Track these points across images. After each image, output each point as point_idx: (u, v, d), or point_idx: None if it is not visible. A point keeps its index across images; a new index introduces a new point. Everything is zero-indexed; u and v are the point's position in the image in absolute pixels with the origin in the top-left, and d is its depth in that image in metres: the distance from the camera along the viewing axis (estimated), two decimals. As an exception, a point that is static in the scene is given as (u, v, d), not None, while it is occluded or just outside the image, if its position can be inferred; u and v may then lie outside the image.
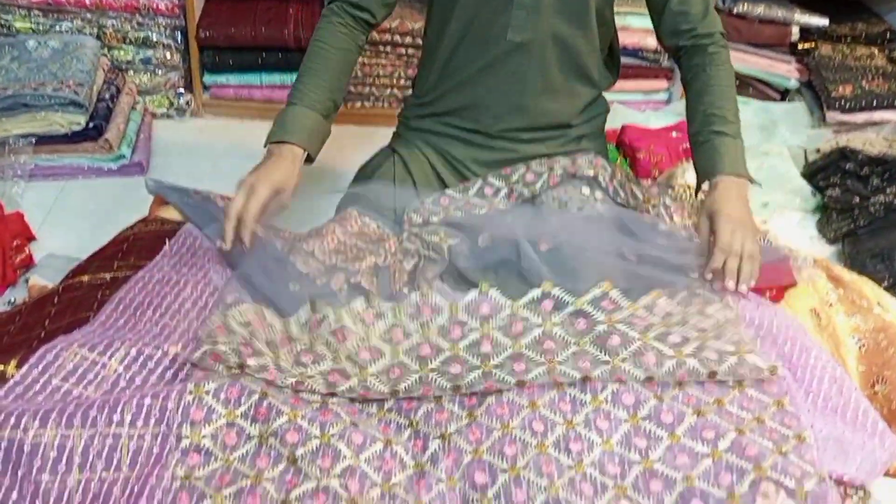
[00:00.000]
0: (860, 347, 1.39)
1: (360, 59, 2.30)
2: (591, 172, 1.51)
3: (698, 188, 1.51)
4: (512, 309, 1.27)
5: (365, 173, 1.62)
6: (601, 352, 1.19)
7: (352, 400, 1.15)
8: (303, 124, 1.42)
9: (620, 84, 1.76)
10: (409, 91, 1.75)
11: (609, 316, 1.24)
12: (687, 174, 1.71)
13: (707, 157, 1.44)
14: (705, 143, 1.45)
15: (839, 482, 1.08)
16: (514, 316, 1.26)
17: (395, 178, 1.55)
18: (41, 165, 2.01)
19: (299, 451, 1.04)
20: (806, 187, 2.07)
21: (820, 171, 2.09)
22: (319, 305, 1.26)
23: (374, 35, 2.25)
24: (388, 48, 2.38)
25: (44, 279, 1.55)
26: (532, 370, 1.15)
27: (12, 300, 1.57)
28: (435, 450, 1.07)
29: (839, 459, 1.10)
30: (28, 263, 1.67)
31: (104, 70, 2.19)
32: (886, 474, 1.14)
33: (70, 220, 1.88)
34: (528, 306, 1.27)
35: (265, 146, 1.42)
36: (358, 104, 2.47)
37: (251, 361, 1.13)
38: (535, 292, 1.28)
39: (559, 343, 1.21)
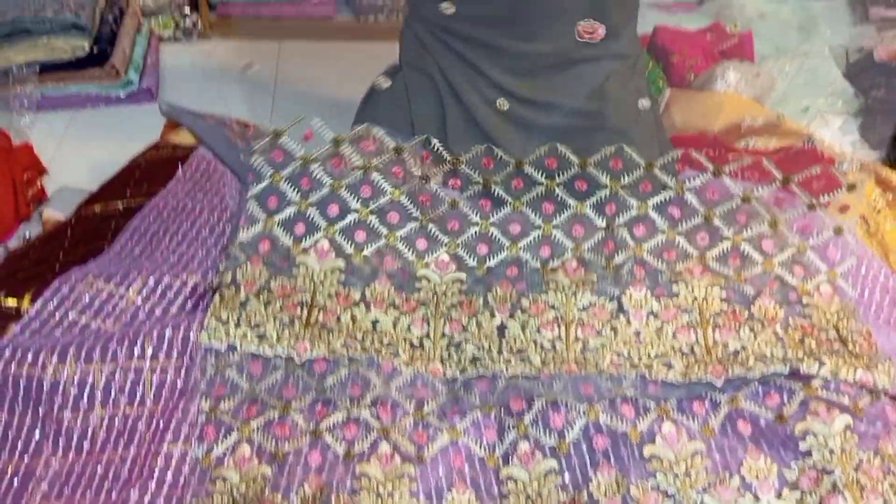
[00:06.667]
0: (911, 255, 1.32)
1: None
2: None
3: None
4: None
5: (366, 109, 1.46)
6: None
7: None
8: None
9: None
10: None
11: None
12: (728, 74, 1.60)
13: None
14: None
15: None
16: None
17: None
18: (48, 95, 1.94)
19: (328, 381, 1.00)
20: (848, 89, 1.95)
21: (864, 71, 1.97)
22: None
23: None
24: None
25: (58, 212, 1.50)
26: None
27: (27, 235, 1.52)
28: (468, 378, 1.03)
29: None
30: (41, 197, 1.61)
31: (105, -9, 2.08)
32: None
33: (82, 151, 1.81)
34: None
35: None
36: (371, 17, 2.34)
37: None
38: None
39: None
